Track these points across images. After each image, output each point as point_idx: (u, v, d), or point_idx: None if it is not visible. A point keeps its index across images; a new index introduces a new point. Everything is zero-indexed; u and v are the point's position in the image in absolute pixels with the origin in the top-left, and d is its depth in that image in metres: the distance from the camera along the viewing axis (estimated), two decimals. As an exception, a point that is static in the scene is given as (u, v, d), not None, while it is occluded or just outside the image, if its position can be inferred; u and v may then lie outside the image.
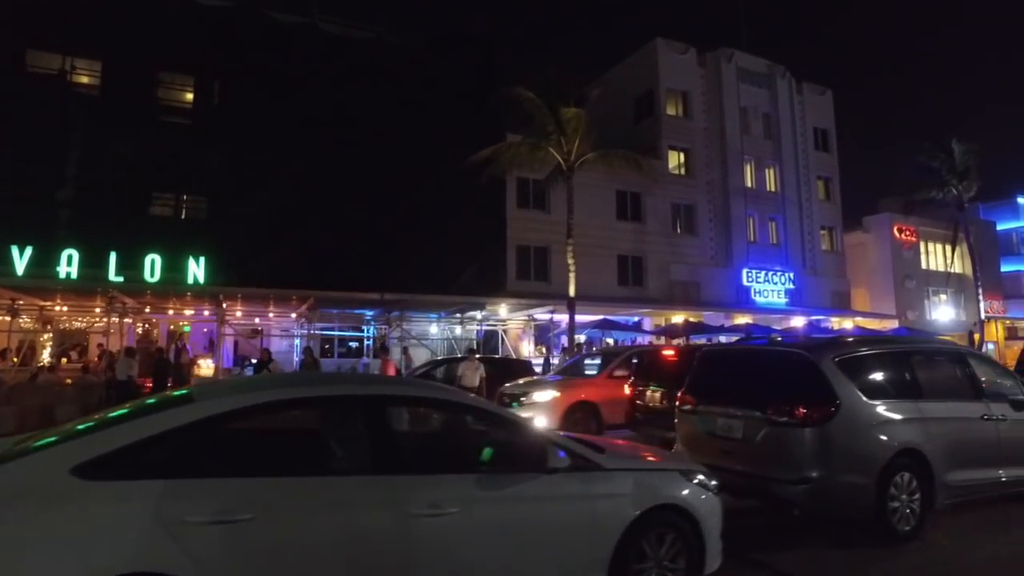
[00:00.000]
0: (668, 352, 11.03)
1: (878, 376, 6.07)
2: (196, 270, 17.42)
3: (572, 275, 19.87)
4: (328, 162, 22.34)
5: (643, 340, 25.65)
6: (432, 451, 4.18)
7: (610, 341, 26.47)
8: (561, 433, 5.25)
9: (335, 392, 3.92)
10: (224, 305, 18.59)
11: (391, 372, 14.15)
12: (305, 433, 4.02)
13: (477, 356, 14.62)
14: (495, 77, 24.15)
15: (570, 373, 13.86)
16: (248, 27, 22.51)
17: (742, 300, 30.48)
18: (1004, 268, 43.12)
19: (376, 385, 4.39)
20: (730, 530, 6.01)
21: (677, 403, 6.89)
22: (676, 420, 6.91)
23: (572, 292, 19.85)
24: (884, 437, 5.68)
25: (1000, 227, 43.73)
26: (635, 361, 11.75)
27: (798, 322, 31.00)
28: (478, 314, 21.42)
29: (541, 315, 22.04)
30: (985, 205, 45.16)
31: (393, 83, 23.37)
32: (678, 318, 26.95)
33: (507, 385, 12.59)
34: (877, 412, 5.75)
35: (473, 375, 14.16)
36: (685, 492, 4.35)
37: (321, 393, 3.91)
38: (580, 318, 23.12)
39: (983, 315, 31.94)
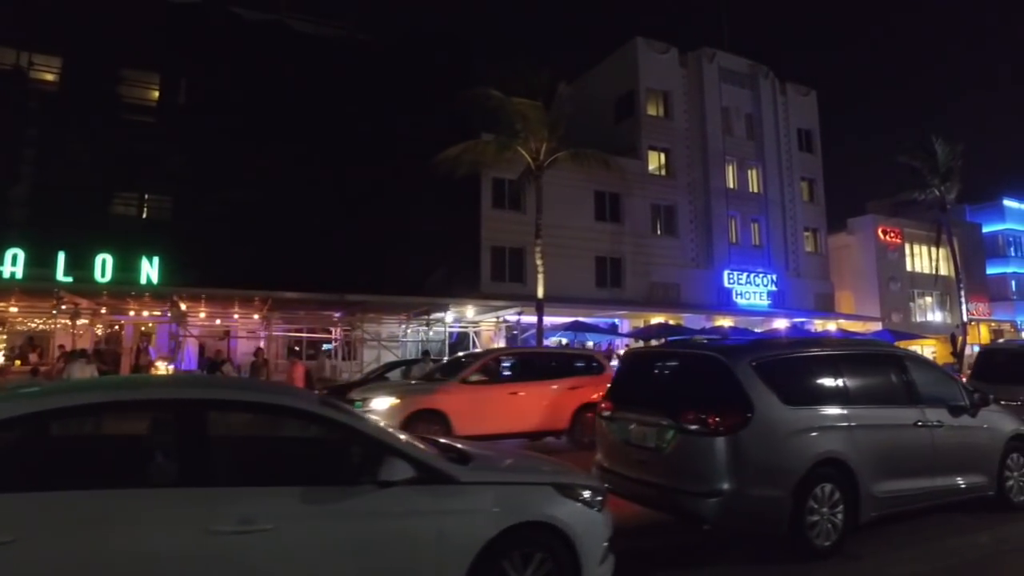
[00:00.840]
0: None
1: (801, 381, 5.68)
2: (149, 270, 16.96)
3: (540, 276, 19.51)
4: (297, 161, 21.93)
5: (618, 342, 25.31)
6: (252, 461, 3.75)
7: (590, 344, 26.12)
8: (441, 440, 4.80)
9: (131, 397, 3.52)
10: (184, 306, 18.16)
11: (299, 376, 13.73)
12: (100, 441, 3.61)
13: (433, 359, 14.22)
14: (470, 76, 23.76)
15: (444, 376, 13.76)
16: (216, 25, 22.08)
17: (724, 302, 30.13)
18: (990, 270, 42.91)
19: (186, 388, 3.98)
20: (640, 547, 5.67)
21: (598, 408, 6.50)
22: (596, 427, 6.52)
23: (540, 293, 19.47)
24: (803, 447, 5.29)
25: (986, 229, 43.54)
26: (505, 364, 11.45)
27: (781, 324, 30.66)
28: (446, 316, 20.98)
29: (510, 317, 21.61)
30: (971, 207, 45.00)
31: (364, 82, 23.01)
32: (658, 320, 26.60)
33: (356, 389, 11.87)
34: (797, 420, 5.36)
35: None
36: (559, 508, 3.95)
37: (113, 399, 3.49)
38: (552, 320, 22.77)
39: (965, 317, 31.58)
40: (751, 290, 31.02)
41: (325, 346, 23.53)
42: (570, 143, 20.53)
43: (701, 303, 29.24)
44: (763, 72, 33.84)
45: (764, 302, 31.38)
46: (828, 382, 5.77)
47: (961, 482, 6.39)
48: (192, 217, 20.64)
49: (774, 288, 31.74)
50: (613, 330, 25.18)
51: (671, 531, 5.83)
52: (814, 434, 5.39)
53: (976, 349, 36.78)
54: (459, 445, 4.57)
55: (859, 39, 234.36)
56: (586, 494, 4.15)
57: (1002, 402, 8.93)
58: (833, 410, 5.60)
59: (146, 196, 21.65)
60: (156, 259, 17.24)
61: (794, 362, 5.76)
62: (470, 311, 20.63)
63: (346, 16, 24.81)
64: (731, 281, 30.47)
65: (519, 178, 21.22)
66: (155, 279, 16.98)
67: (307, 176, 21.96)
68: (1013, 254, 44.51)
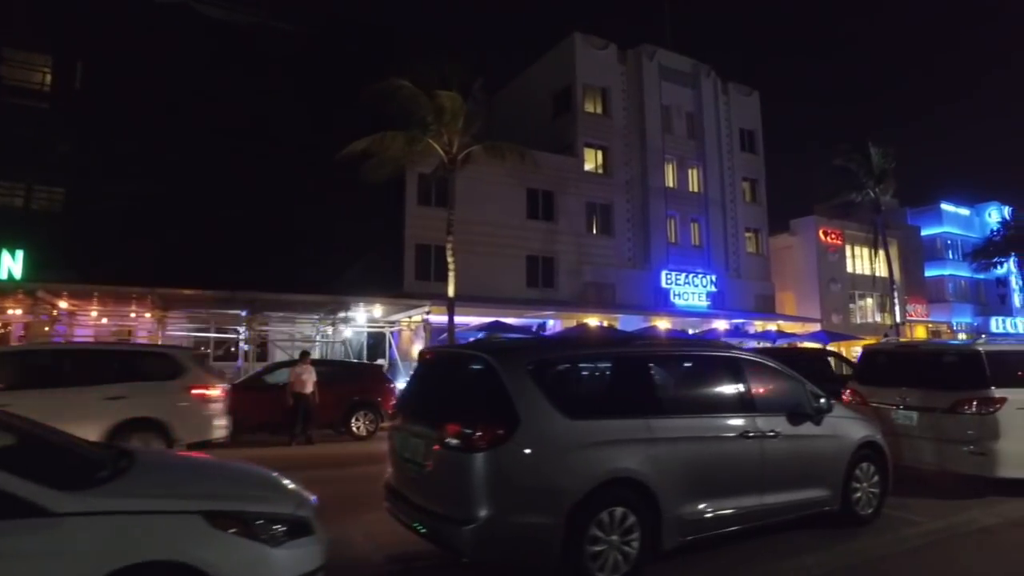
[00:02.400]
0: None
1: (593, 388, 4.95)
2: (11, 264, 15.61)
3: (452, 274, 18.72)
4: (203, 154, 20.76)
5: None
6: None
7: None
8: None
9: None
10: (65, 304, 16.84)
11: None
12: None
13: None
14: (392, 69, 22.84)
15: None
16: (118, 5, 20.75)
17: (661, 303, 29.66)
18: (928, 272, 43.49)
19: None
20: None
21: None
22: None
23: (451, 292, 18.66)
24: (586, 465, 4.50)
25: (924, 232, 44.13)
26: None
27: (720, 325, 30.33)
28: (359, 316, 19.96)
29: (417, 317, 20.69)
30: (911, 211, 45.66)
31: (276, 71, 21.90)
32: (591, 321, 25.95)
33: None
34: (581, 433, 4.57)
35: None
36: (206, 545, 3.10)
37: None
38: (472, 320, 21.97)
39: (899, 318, 31.68)
40: (689, 291, 30.62)
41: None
42: (486, 137, 19.72)
43: (637, 304, 28.71)
44: (705, 71, 33.56)
45: (703, 303, 31.02)
46: (629, 389, 5.02)
47: (799, 497, 5.72)
48: (84, 209, 19.31)
49: (713, 289, 31.41)
50: (539, 331, 24.40)
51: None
52: (603, 450, 4.61)
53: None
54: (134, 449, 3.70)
55: (808, 43, 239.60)
56: (259, 524, 3.31)
57: (880, 404, 8.47)
58: (632, 422, 4.83)
59: (34, 186, 20.19)
60: (19, 253, 15.88)
61: (586, 366, 5.00)
62: (378, 310, 19.62)
63: (263, 3, 23.54)
64: (669, 281, 30.03)
65: (432, 173, 20.36)
66: (17, 274, 15.62)
67: (214, 169, 20.80)
68: (950, 257, 45.23)
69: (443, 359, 5.68)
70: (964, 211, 46.97)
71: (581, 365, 4.99)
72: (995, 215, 45.82)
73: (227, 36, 21.85)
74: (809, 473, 5.82)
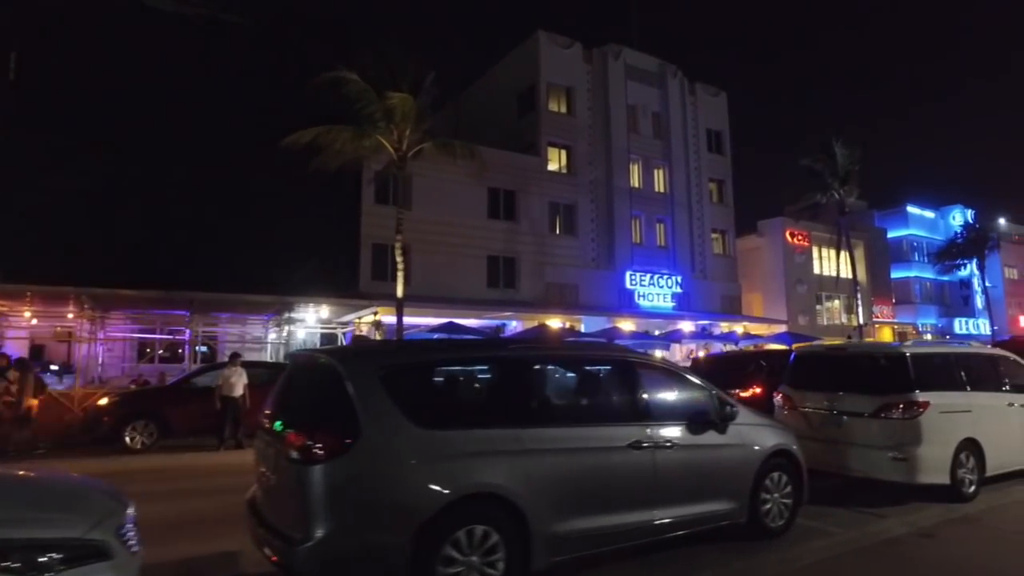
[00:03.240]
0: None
1: (453, 396, 4.58)
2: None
3: (400, 274, 18.20)
4: (145, 148, 20.06)
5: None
6: None
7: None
8: None
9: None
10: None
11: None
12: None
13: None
14: (343, 63, 22.29)
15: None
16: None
17: (625, 304, 29.41)
18: (895, 274, 43.84)
19: None
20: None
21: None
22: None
23: (400, 292, 18.17)
24: (439, 480, 4.08)
25: (891, 234, 44.50)
26: None
27: (685, 326, 30.16)
28: (307, 316, 19.39)
29: (369, 317, 20.18)
30: (879, 213, 46.07)
31: (225, 66, 21.24)
32: (553, 322, 25.61)
33: None
34: (435, 445, 4.15)
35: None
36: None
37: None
38: (429, 321, 21.51)
39: (863, 319, 31.77)
40: (654, 292, 30.41)
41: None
42: (451, 136, 19.27)
43: (601, 305, 28.43)
44: (672, 71, 33.41)
45: (668, 304, 30.83)
46: (499, 396, 4.64)
47: (698, 511, 5.35)
48: (15, 206, 18.50)
49: (679, 290, 31.24)
50: (496, 332, 24.00)
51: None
52: (463, 463, 4.20)
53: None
54: None
55: (779, 47, 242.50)
56: (19, 554, 2.86)
57: (809, 409, 8.17)
58: (500, 432, 4.42)
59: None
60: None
61: (451, 371, 4.59)
62: (325, 310, 19.07)
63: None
64: (633, 282, 29.79)
65: (383, 169, 19.83)
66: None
67: (157, 165, 20.11)
68: (916, 259, 45.65)
69: (302, 362, 5.24)
70: (929, 214, 47.49)
71: (444, 371, 4.58)
72: (959, 218, 46.39)
73: (171, 27, 21.18)
74: (711, 485, 5.46)
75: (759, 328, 32.78)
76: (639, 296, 29.90)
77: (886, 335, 42.97)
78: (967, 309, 46.84)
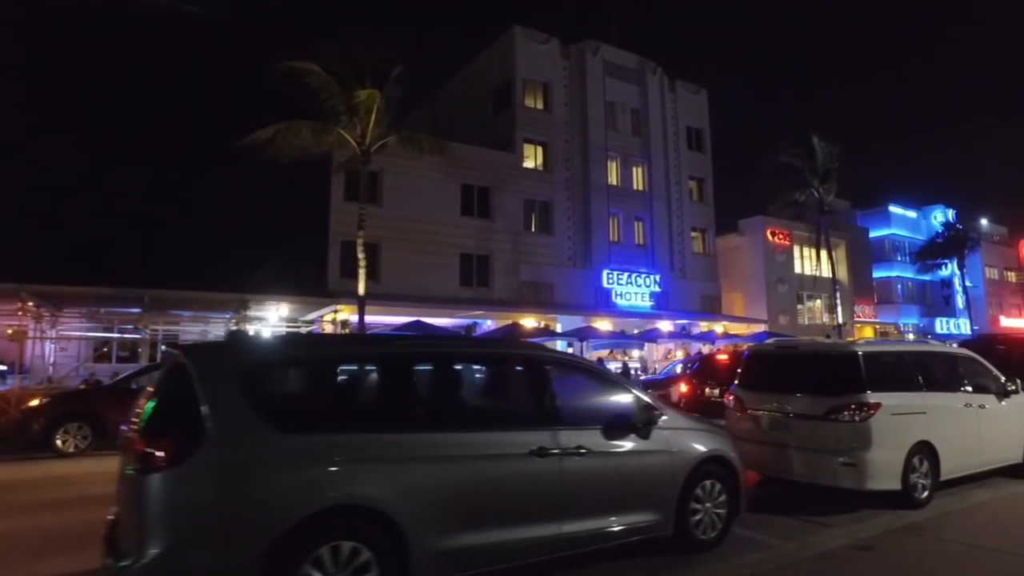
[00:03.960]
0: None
1: (326, 397, 4.07)
2: None
3: (362, 271, 17.70)
4: (102, 142, 19.42)
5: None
6: None
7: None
8: None
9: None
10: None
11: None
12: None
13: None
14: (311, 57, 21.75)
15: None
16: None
17: (602, 303, 29.03)
18: (877, 274, 43.77)
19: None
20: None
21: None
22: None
23: (362, 290, 17.67)
24: (298, 489, 3.62)
25: (873, 234, 44.42)
26: None
27: (664, 326, 29.82)
28: (269, 314, 18.85)
29: (330, 315, 19.67)
30: (861, 213, 46.00)
31: (184, 57, 20.61)
32: (528, 321, 25.18)
33: None
34: (297, 451, 3.69)
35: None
36: None
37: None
38: (396, 320, 21.03)
39: (841, 319, 31.54)
40: (632, 291, 30.04)
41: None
42: (415, 131, 18.77)
43: (577, 304, 28.03)
44: (651, 68, 33.07)
45: (646, 303, 30.47)
46: (379, 398, 4.18)
47: (615, 523, 4.90)
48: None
49: (657, 289, 30.89)
50: (467, 331, 23.53)
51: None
52: (328, 472, 3.74)
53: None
54: None
55: (763, 46, 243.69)
56: None
57: (759, 411, 7.76)
58: (377, 437, 3.96)
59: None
60: None
61: (319, 370, 4.11)
62: (285, 308, 18.54)
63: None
64: (611, 281, 29.41)
65: (344, 162, 19.27)
66: None
67: (114, 161, 19.47)
68: (898, 258, 45.60)
69: (167, 360, 4.75)
70: (911, 213, 47.49)
71: (316, 369, 4.10)
72: (940, 217, 46.41)
73: (128, 16, 20.53)
74: (630, 495, 5.02)
75: (738, 328, 32.52)
76: (616, 295, 29.52)
77: (867, 335, 42.87)
78: (948, 309, 46.86)
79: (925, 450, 7.19)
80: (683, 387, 15.39)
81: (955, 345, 11.51)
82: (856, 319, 41.17)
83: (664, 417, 5.36)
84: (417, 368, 4.39)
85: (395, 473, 3.92)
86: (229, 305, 18.11)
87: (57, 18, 19.04)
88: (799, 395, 7.35)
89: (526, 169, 28.34)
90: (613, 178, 30.93)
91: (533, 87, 29.30)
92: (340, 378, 4.19)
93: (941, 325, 45.19)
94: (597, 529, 4.76)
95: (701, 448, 5.51)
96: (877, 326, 42.67)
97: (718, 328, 31.53)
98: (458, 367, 4.75)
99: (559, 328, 26.10)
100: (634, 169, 31.93)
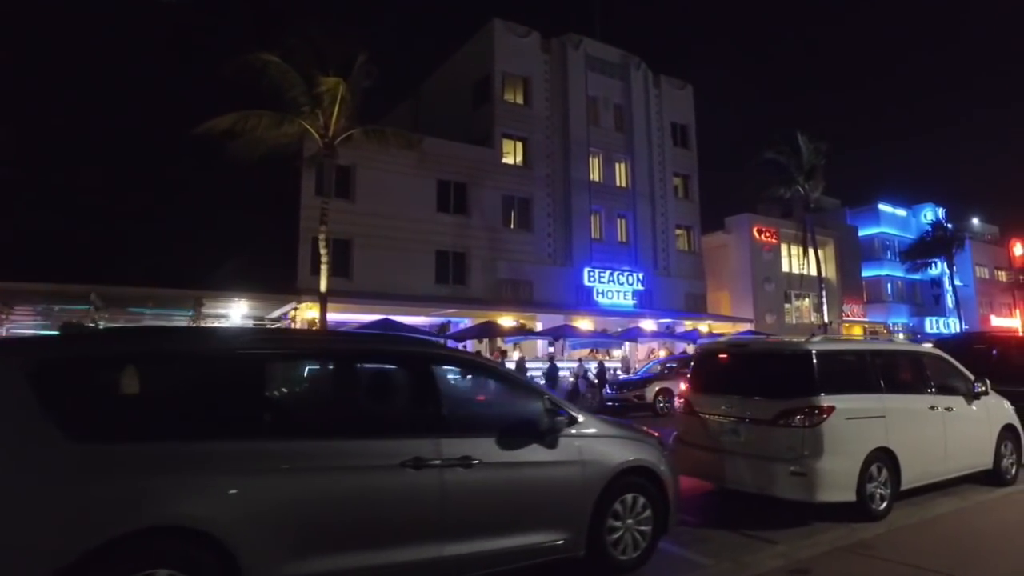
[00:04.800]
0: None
1: (149, 400, 3.48)
2: None
3: (324, 267, 17.14)
4: (54, 135, 18.81)
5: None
6: None
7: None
8: None
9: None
10: None
11: None
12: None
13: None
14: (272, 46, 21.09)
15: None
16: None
17: (583, 301, 28.47)
18: (866, 273, 43.32)
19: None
20: None
21: None
22: None
23: (324, 287, 17.10)
24: (97, 508, 3.04)
25: (862, 233, 43.98)
26: None
27: (647, 325, 29.27)
28: (231, 312, 18.24)
29: (291, 312, 19.07)
30: (851, 211, 45.57)
31: (139, 44, 20.03)
32: (506, 320, 24.59)
33: None
34: (98, 464, 3.11)
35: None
36: None
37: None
38: (366, 318, 20.44)
39: (827, 318, 31.04)
40: (614, 289, 29.49)
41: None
42: (397, 126, 18.16)
43: (557, 302, 27.46)
44: (635, 63, 32.50)
45: (629, 302, 29.92)
46: (215, 401, 3.56)
47: (512, 544, 4.29)
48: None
49: (640, 287, 30.33)
50: (440, 329, 22.94)
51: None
52: (141, 488, 3.16)
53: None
54: None
55: (752, 43, 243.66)
56: None
57: (708, 415, 7.18)
58: (208, 447, 3.38)
59: None
60: None
61: (139, 366, 3.51)
62: (244, 306, 17.93)
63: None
64: (592, 279, 28.85)
65: (313, 158, 18.65)
66: None
67: (68, 153, 18.87)
68: (888, 257, 45.16)
69: None
70: (901, 212, 47.06)
71: (138, 366, 3.50)
72: (930, 216, 45.99)
73: (84, 3, 19.91)
74: (532, 511, 4.43)
75: (724, 326, 32.01)
76: (598, 293, 28.97)
77: (856, 334, 42.42)
78: (938, 308, 46.45)
79: (884, 457, 6.63)
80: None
81: (928, 344, 10.98)
82: (845, 318, 40.72)
83: (579, 423, 4.79)
84: (267, 366, 3.78)
85: (229, 488, 3.33)
86: (185, 302, 17.47)
87: (4, 4, 18.40)
88: (749, 398, 6.79)
89: (505, 165, 27.75)
90: (595, 174, 30.36)
91: (513, 81, 28.72)
92: (167, 377, 3.58)
93: (931, 324, 44.78)
94: (489, 551, 4.17)
95: (621, 458, 4.93)
96: (866, 325, 42.20)
97: (703, 327, 31.02)
98: (320, 365, 4.14)
99: (539, 327, 25.55)
100: (617, 165, 31.37)
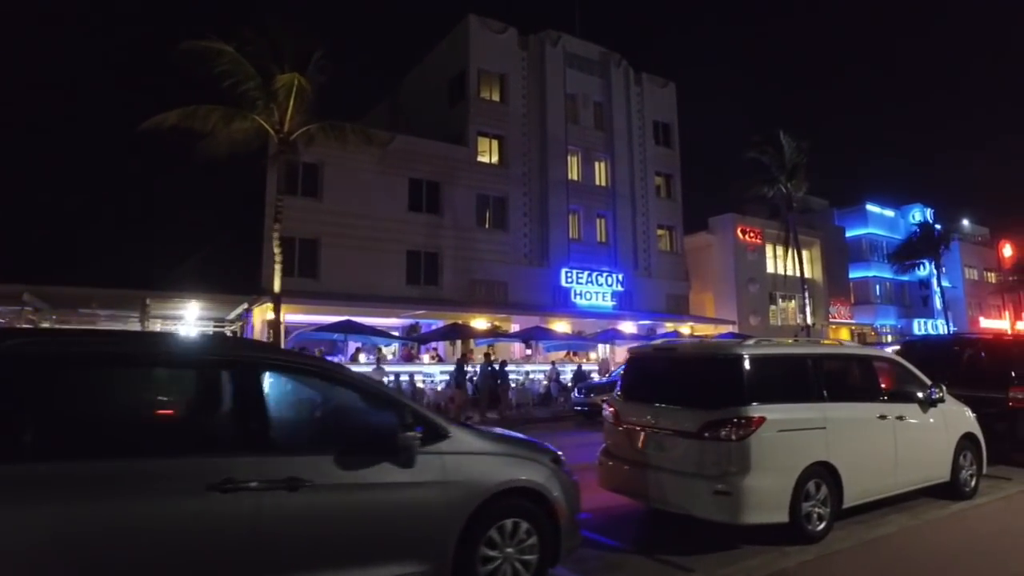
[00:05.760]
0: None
1: None
2: None
3: (278, 266, 16.55)
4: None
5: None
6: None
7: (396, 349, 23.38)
8: None
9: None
10: None
11: None
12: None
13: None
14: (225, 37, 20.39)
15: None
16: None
17: (560, 303, 27.86)
18: (854, 274, 42.84)
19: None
20: None
21: None
22: None
23: (277, 287, 16.49)
24: None
25: (850, 233, 43.51)
26: None
27: (627, 327, 28.67)
28: (185, 313, 17.59)
29: (239, 311, 18.42)
30: (839, 212, 45.11)
31: (103, 38, 19.34)
32: (479, 322, 24.00)
33: None
34: None
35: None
36: None
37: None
38: (327, 320, 19.81)
39: (809, 320, 30.50)
40: (593, 290, 28.89)
41: None
42: (328, 116, 17.53)
43: (533, 303, 26.84)
44: (615, 60, 31.93)
45: (608, 303, 29.33)
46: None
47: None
48: None
49: (620, 288, 29.74)
50: (412, 332, 22.31)
51: None
52: None
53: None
54: None
55: (743, 43, 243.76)
56: None
57: (633, 426, 6.56)
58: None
59: None
60: None
61: None
62: (195, 307, 17.28)
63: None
64: (569, 280, 28.25)
65: (275, 156, 17.98)
66: None
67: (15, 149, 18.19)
68: (875, 258, 44.69)
69: None
70: (889, 212, 46.60)
71: None
72: (918, 216, 45.55)
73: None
74: (378, 540, 3.82)
75: (706, 328, 31.44)
76: (576, 295, 28.37)
77: (843, 336, 41.92)
78: (926, 310, 45.99)
79: (824, 472, 6.03)
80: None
81: (889, 349, 10.40)
82: (831, 320, 40.23)
83: (448, 438, 4.18)
84: (30, 371, 3.14)
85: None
86: (132, 303, 16.82)
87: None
88: (675, 407, 6.19)
89: (480, 163, 27.14)
90: (574, 173, 29.77)
91: (489, 78, 28.12)
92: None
93: (919, 326, 44.33)
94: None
95: (499, 478, 4.32)
96: (853, 327, 41.72)
97: (684, 329, 30.45)
98: (113, 372, 3.47)
99: (514, 328, 24.95)
100: (596, 164, 30.79)
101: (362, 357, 21.76)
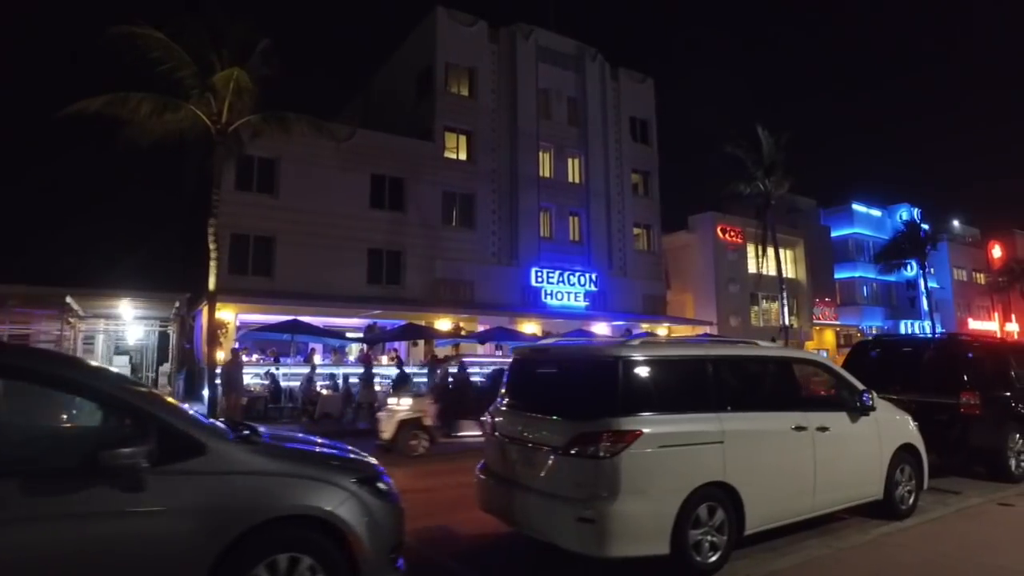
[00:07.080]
0: None
1: None
2: None
3: (213, 263, 15.72)
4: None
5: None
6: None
7: (356, 350, 22.52)
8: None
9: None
10: None
11: None
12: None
13: None
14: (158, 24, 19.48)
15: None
16: None
17: (530, 303, 27.03)
18: (839, 274, 42.08)
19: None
20: None
21: None
22: None
23: (212, 285, 15.66)
24: None
25: (836, 233, 42.77)
26: None
27: (600, 328, 27.88)
28: (122, 312, 16.73)
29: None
30: (825, 211, 44.40)
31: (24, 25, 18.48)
32: (443, 323, 23.16)
33: None
34: None
35: None
36: None
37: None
38: (278, 319, 19.01)
39: (786, 321, 29.70)
40: (564, 290, 28.07)
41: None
42: (272, 107, 16.69)
43: (501, 303, 26.01)
44: (591, 54, 31.11)
45: (580, 303, 28.51)
46: None
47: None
48: None
49: (593, 288, 28.92)
50: (369, 332, 21.45)
51: None
52: None
53: (824, 355, 35.53)
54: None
55: (726, 41, 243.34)
56: None
57: (504, 436, 5.74)
58: None
59: None
60: None
61: None
62: (125, 305, 16.41)
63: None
64: (540, 280, 27.42)
65: (214, 150, 17.10)
66: None
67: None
68: (862, 258, 43.93)
69: None
70: (876, 212, 45.85)
71: None
72: (906, 216, 44.79)
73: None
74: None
75: (683, 329, 30.61)
76: (546, 294, 27.55)
77: (828, 338, 41.16)
78: (913, 311, 45.21)
79: (720, 494, 5.20)
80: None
81: (825, 353, 9.57)
82: (816, 321, 39.47)
83: (205, 454, 3.37)
84: None
85: None
86: (54, 301, 15.96)
87: None
88: (547, 418, 5.37)
89: (447, 159, 26.30)
90: (545, 170, 28.95)
91: (457, 72, 27.30)
92: None
93: (906, 327, 43.55)
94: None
95: (270, 503, 3.50)
96: (838, 328, 40.94)
97: (661, 330, 29.62)
98: None
99: (480, 329, 24.10)
100: (570, 161, 29.97)
101: (317, 358, 20.96)
